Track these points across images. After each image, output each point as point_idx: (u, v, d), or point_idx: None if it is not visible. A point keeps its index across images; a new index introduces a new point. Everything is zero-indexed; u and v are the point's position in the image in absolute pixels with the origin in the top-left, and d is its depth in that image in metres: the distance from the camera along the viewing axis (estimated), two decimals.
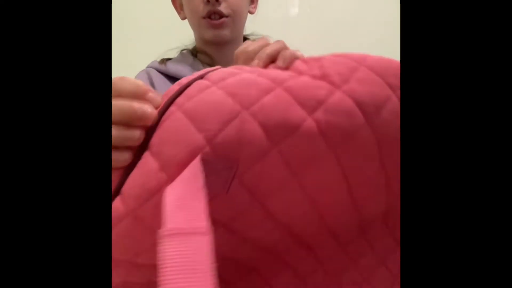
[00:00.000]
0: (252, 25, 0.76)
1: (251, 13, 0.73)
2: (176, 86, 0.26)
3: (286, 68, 0.28)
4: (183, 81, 0.26)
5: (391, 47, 0.94)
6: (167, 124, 0.24)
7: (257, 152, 0.24)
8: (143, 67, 0.72)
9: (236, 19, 0.66)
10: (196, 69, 0.67)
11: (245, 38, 0.75)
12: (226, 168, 0.23)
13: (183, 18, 0.72)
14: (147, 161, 0.23)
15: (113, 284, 0.26)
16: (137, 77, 0.68)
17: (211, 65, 0.68)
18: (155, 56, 0.72)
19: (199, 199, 0.21)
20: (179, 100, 0.24)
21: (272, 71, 0.27)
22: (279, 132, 0.24)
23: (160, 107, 0.25)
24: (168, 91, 0.25)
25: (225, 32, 0.65)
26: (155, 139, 0.24)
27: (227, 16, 0.64)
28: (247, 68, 0.27)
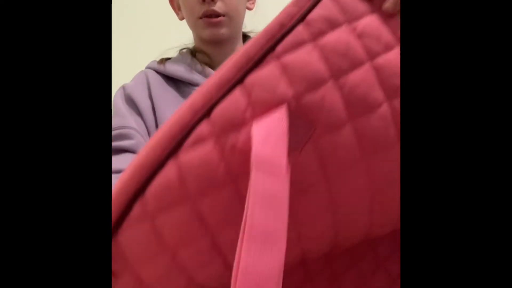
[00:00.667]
0: (251, 23, 0.75)
1: (249, 9, 0.72)
2: (278, 29, 0.26)
3: (393, 13, 0.28)
4: (286, 21, 0.26)
5: None
6: (264, 70, 0.25)
7: (335, 122, 0.25)
8: (143, 66, 0.71)
9: (233, 17, 0.65)
10: (194, 68, 0.67)
11: (244, 36, 0.74)
12: (305, 126, 0.25)
13: (181, 19, 0.71)
14: (237, 96, 0.25)
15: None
16: (135, 78, 0.68)
17: (209, 65, 0.68)
18: (155, 55, 0.72)
19: (283, 141, 0.23)
20: (279, 49, 0.26)
21: (371, 29, 0.27)
22: (358, 109, 0.25)
23: (262, 48, 0.26)
24: (267, 32, 0.26)
25: (223, 31, 0.65)
26: (250, 78, 0.25)
27: (223, 15, 0.63)
28: (350, 11, 0.27)
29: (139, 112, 0.61)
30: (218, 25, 0.63)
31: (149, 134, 0.61)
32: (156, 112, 0.62)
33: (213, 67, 0.68)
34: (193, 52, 0.71)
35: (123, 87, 0.66)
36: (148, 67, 0.69)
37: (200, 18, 0.63)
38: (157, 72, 0.67)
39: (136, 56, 0.90)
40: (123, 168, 0.47)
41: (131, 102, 0.62)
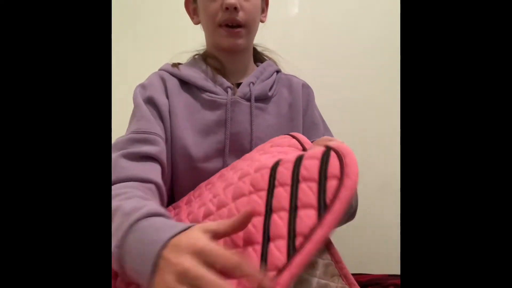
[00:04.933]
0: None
1: (262, 21, 0.74)
2: None
3: None
4: None
5: (391, 47, 0.94)
6: None
7: None
8: (154, 68, 0.71)
9: (251, 28, 0.69)
10: (208, 76, 0.68)
11: (254, 49, 0.76)
12: None
13: (196, 23, 0.73)
14: None
15: None
16: (151, 78, 0.67)
17: (221, 71, 0.69)
18: (165, 59, 0.72)
19: None
20: None
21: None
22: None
23: None
24: None
25: (240, 41, 0.68)
26: None
27: (243, 26, 0.66)
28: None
29: (160, 115, 0.62)
30: (237, 35, 0.66)
31: (165, 137, 0.62)
32: (171, 114, 0.62)
33: (224, 73, 0.70)
34: (204, 58, 0.72)
35: (142, 86, 0.66)
36: (162, 69, 0.70)
37: (220, 26, 0.64)
38: (172, 75, 0.68)
39: (146, 59, 0.91)
40: (149, 177, 0.50)
41: (153, 104, 0.63)
